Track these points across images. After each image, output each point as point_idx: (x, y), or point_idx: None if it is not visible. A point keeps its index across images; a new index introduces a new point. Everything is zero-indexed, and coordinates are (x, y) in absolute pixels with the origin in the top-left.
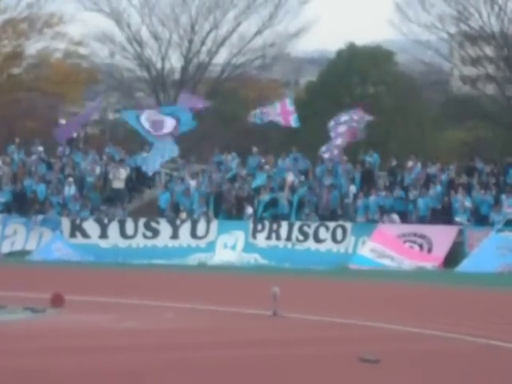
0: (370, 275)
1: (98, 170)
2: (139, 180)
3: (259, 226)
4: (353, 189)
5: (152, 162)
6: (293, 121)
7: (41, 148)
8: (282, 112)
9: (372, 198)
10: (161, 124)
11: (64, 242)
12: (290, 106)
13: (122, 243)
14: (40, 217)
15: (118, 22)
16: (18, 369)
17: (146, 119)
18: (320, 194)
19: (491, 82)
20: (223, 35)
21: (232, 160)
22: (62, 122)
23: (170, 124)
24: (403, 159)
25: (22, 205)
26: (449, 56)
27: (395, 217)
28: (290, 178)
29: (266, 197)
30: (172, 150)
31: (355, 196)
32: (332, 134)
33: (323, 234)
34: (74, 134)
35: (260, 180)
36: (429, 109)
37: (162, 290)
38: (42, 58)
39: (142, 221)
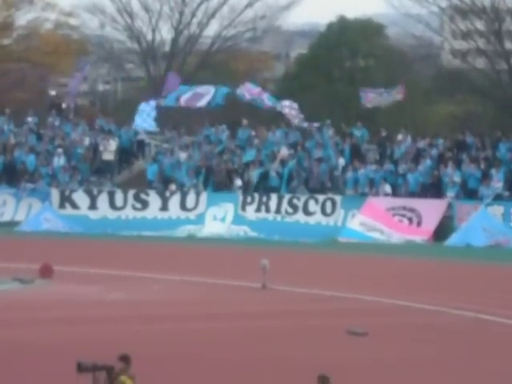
0: (360, 248)
1: (87, 141)
2: (130, 152)
3: (249, 199)
4: (342, 162)
5: (148, 119)
6: (268, 100)
7: (31, 118)
8: (256, 94)
9: (361, 172)
10: (200, 97)
11: (53, 213)
12: (253, 87)
13: (112, 214)
14: (29, 185)
15: None
16: (7, 339)
17: (191, 91)
18: (309, 167)
19: (481, 56)
20: (214, 7)
21: (222, 132)
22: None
23: (205, 99)
24: (393, 133)
25: (12, 175)
26: (439, 30)
27: (387, 187)
28: (284, 152)
29: (256, 170)
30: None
31: (344, 169)
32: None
33: (313, 206)
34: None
35: (250, 155)
36: (419, 82)
37: (151, 262)
38: (32, 29)
39: (131, 192)
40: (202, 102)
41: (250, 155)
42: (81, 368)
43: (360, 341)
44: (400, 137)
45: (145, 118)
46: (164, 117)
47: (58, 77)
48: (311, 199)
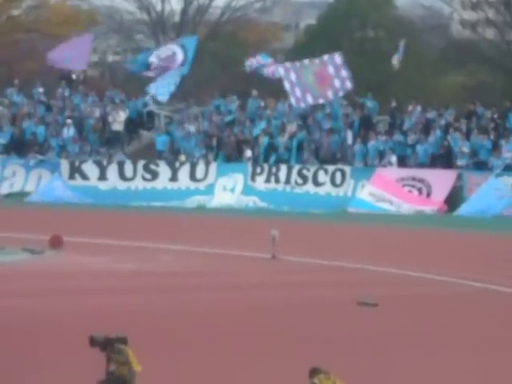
0: (369, 219)
1: (97, 112)
2: (139, 122)
3: (258, 169)
4: (348, 133)
5: (164, 88)
6: (275, 72)
7: (41, 89)
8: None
9: (371, 143)
10: (172, 58)
11: (63, 183)
12: (264, 59)
13: (121, 185)
14: (38, 156)
15: None
16: (17, 309)
17: (156, 57)
18: (319, 138)
19: (491, 27)
20: None
21: (231, 103)
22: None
23: (179, 56)
24: (403, 103)
25: (21, 146)
26: (449, 0)
27: (393, 158)
28: (292, 128)
29: (264, 141)
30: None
31: (354, 140)
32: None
33: (322, 177)
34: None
35: (260, 128)
36: (429, 53)
37: (160, 233)
38: (41, 0)
39: (141, 163)
40: (174, 64)
41: (259, 126)
42: (94, 342)
43: (370, 311)
44: (410, 107)
45: (164, 84)
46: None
47: None
48: (321, 170)
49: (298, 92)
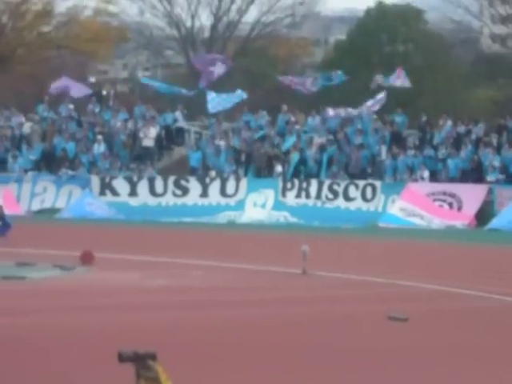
0: (400, 234)
1: (127, 127)
2: (169, 138)
3: (289, 185)
4: (382, 148)
5: (219, 103)
6: (313, 86)
7: (71, 106)
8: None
9: (401, 158)
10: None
11: (94, 199)
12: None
13: (152, 201)
14: (69, 172)
15: None
16: (48, 326)
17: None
18: (349, 152)
19: None
20: None
21: (261, 118)
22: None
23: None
24: (433, 118)
25: (52, 163)
26: (479, 14)
27: (425, 173)
28: (318, 140)
29: (295, 156)
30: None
31: (384, 155)
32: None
33: (353, 192)
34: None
35: (290, 143)
36: (459, 67)
37: (191, 248)
38: (71, 16)
39: (171, 179)
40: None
41: (289, 141)
42: (122, 358)
43: (401, 326)
44: (441, 122)
45: (220, 101)
46: (202, 103)
47: (98, 64)
48: (351, 185)
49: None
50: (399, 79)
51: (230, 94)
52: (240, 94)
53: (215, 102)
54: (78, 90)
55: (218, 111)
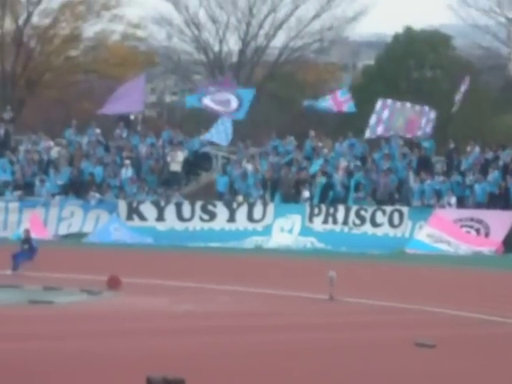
0: (427, 260)
1: (155, 152)
2: (196, 163)
3: (316, 210)
4: (409, 173)
5: (220, 133)
6: (347, 107)
7: (98, 130)
8: (335, 102)
9: (428, 183)
10: (227, 104)
11: (121, 224)
12: (342, 96)
13: (179, 226)
14: (97, 196)
15: (176, 4)
16: (76, 350)
17: (210, 100)
18: (377, 178)
19: None
20: (281, 18)
21: (289, 144)
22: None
23: (234, 104)
24: (461, 143)
25: (79, 187)
26: (507, 40)
27: (453, 199)
28: (343, 163)
29: (321, 180)
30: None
31: (411, 180)
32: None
33: (380, 218)
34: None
35: (317, 167)
36: (487, 93)
37: (218, 273)
38: (99, 41)
39: (198, 204)
40: (228, 109)
41: (316, 165)
42: (151, 383)
43: (428, 352)
44: (469, 148)
45: (220, 130)
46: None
47: None
48: (378, 210)
49: (379, 129)
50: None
51: (222, 120)
52: (234, 116)
53: (217, 135)
54: (134, 106)
55: (228, 138)
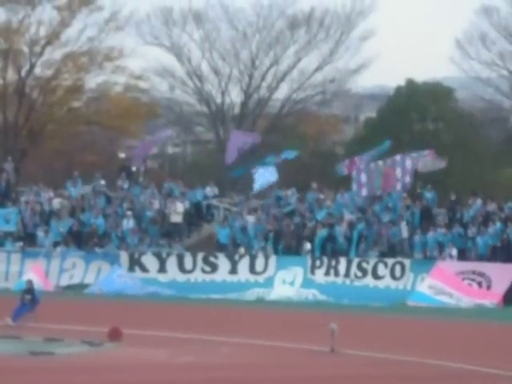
0: (429, 312)
1: (156, 203)
2: (198, 214)
3: (318, 262)
4: (406, 226)
5: (263, 179)
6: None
7: (102, 181)
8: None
9: (430, 234)
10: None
11: (123, 274)
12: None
13: (181, 277)
14: (98, 250)
15: (179, 56)
16: None
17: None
18: (378, 230)
19: None
20: (283, 71)
21: (291, 195)
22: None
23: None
24: (462, 196)
25: (81, 238)
26: (509, 93)
27: (453, 251)
28: (348, 216)
29: (323, 232)
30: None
31: (413, 232)
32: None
33: (382, 270)
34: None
35: (318, 218)
36: (489, 146)
37: (219, 325)
38: (102, 92)
39: (200, 255)
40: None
41: (318, 216)
42: None
43: None
44: (471, 201)
45: (265, 175)
46: (231, 180)
47: (128, 140)
48: (380, 263)
49: (364, 191)
50: (429, 160)
51: (271, 170)
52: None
53: (261, 178)
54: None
55: (262, 187)
